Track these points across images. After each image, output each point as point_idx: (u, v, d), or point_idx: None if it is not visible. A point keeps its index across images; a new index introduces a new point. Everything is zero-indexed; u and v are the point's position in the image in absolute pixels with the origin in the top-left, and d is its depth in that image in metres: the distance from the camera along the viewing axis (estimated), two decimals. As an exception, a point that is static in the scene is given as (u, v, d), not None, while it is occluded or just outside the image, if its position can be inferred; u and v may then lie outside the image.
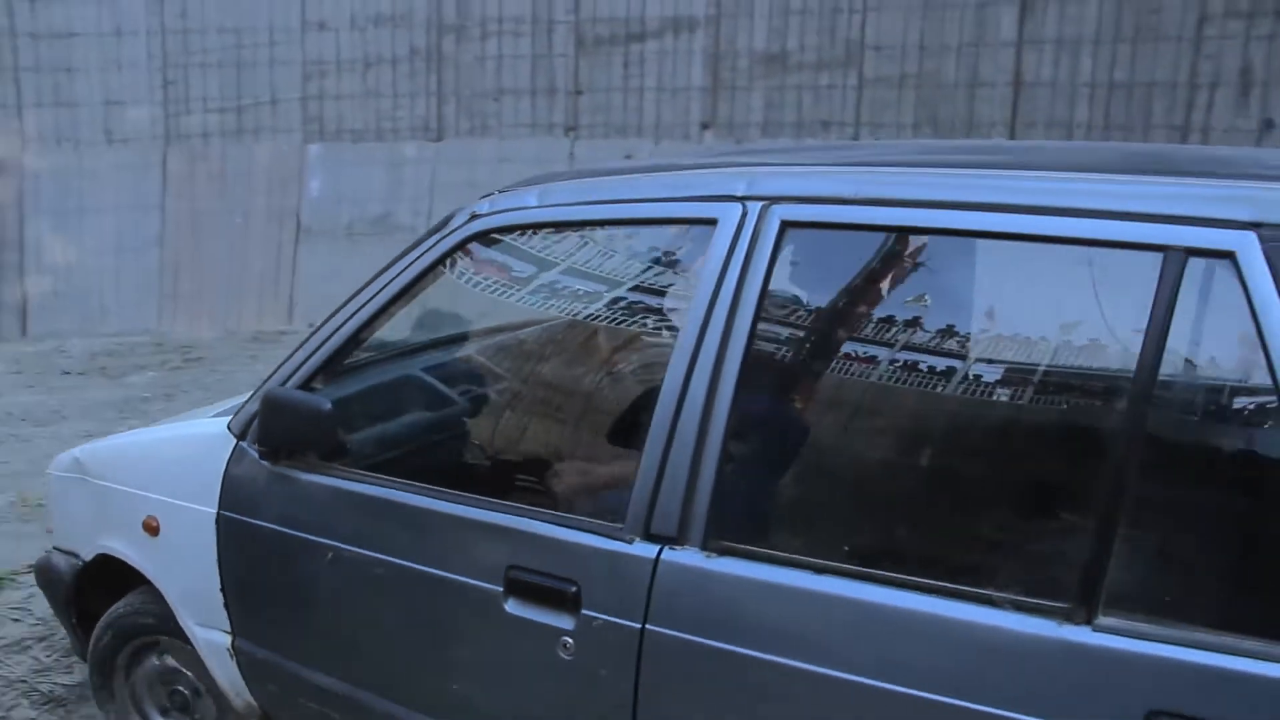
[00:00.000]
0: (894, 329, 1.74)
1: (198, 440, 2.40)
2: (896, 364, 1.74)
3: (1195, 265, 1.44)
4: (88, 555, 2.65)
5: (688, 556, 1.72)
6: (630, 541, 1.77)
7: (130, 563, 2.52)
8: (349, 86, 8.44)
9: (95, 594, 2.71)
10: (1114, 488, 1.44)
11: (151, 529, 2.44)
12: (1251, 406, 1.43)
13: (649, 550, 1.75)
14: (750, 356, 1.71)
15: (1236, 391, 1.47)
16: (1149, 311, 1.45)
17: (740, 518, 1.76)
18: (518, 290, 2.16)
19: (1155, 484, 1.47)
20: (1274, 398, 1.35)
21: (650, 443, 1.76)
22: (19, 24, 8.31)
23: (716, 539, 1.70)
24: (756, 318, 1.70)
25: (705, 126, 8.03)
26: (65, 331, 8.29)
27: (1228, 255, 1.41)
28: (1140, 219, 1.47)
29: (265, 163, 8.58)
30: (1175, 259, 1.44)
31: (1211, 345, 1.49)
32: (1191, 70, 6.51)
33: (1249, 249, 1.39)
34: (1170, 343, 1.45)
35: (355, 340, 2.17)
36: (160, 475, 2.44)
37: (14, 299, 8.48)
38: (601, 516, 1.83)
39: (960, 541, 1.68)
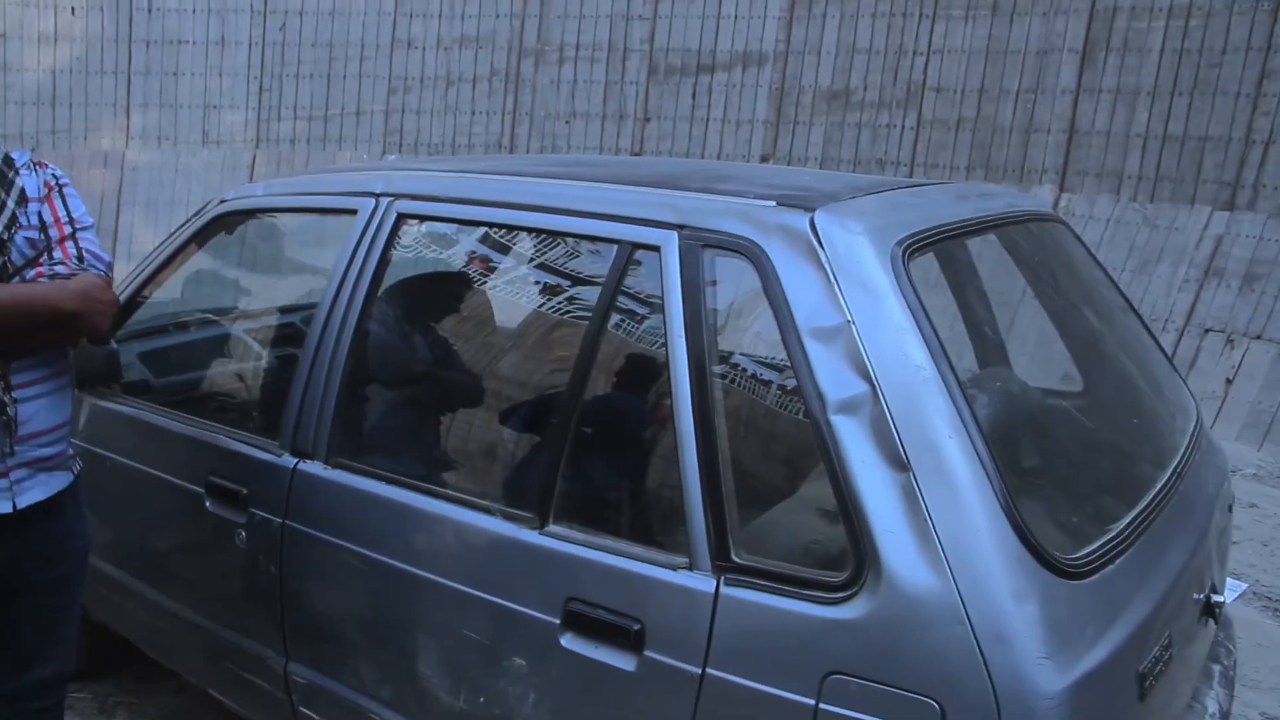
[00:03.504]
0: (455, 300, 2.19)
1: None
2: (454, 328, 2.20)
3: (638, 255, 1.86)
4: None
5: (314, 467, 2.20)
6: (280, 455, 2.25)
7: None
8: (429, 103, 8.89)
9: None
10: (561, 428, 1.87)
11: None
12: (658, 371, 1.83)
13: (290, 461, 2.23)
14: (364, 317, 2.18)
15: (654, 360, 1.87)
16: (601, 291, 1.88)
17: (349, 439, 2.23)
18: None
19: (589, 427, 1.89)
20: (665, 369, 1.75)
21: (296, 379, 2.24)
22: (136, 32, 8.94)
23: (334, 455, 2.18)
24: (373, 287, 2.18)
25: (765, 159, 8.17)
26: (143, 315, 8.84)
27: (656, 249, 1.82)
28: (608, 218, 1.90)
29: (344, 168, 9.06)
30: (624, 250, 1.86)
31: (643, 322, 1.90)
32: (1248, 126, 6.32)
33: (669, 245, 1.81)
34: (613, 318, 1.87)
35: (139, 295, 2.71)
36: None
37: (104, 282, 9.12)
38: (268, 435, 2.31)
39: (476, 465, 2.13)
